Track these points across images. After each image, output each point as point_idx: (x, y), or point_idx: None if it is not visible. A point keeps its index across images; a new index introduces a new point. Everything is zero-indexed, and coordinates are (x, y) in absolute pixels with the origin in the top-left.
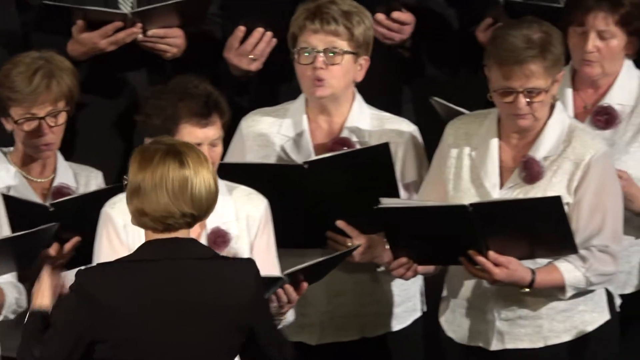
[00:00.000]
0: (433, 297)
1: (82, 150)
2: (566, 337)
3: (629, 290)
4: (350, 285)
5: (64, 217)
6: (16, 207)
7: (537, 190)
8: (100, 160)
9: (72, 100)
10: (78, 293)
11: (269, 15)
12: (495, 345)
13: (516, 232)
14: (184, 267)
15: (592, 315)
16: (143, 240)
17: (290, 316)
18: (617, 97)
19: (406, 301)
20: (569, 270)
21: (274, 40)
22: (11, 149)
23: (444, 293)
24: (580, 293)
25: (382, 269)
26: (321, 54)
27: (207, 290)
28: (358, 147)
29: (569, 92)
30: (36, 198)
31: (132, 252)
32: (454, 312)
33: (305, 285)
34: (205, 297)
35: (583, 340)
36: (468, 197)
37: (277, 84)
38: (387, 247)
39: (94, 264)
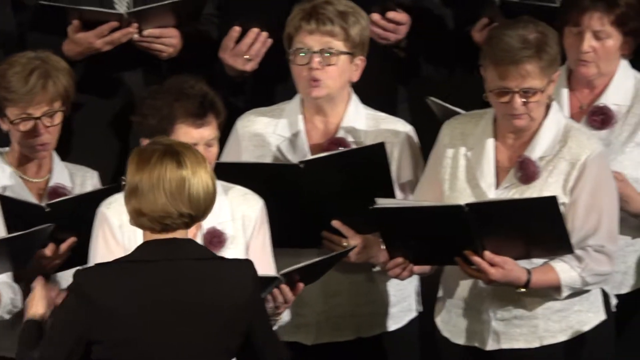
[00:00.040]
0: (428, 297)
1: (78, 151)
2: (562, 337)
3: (624, 290)
4: (346, 285)
5: (59, 218)
6: (12, 207)
7: (533, 191)
8: (96, 160)
9: (68, 100)
10: (76, 293)
11: (264, 16)
12: (491, 345)
13: (512, 232)
14: (182, 267)
15: (588, 315)
16: (139, 241)
17: (286, 316)
18: (613, 97)
19: (402, 301)
20: (564, 270)
21: (269, 41)
22: (7, 149)
23: (440, 293)
24: (576, 293)
25: (377, 269)
26: (317, 55)
27: (205, 291)
28: (354, 147)
29: (565, 92)
30: (32, 198)
31: (127, 252)
32: (450, 312)
33: (301, 285)
34: (203, 297)
35: (579, 340)
36: (464, 197)
37: (272, 84)
38: (383, 247)
39: (90, 264)
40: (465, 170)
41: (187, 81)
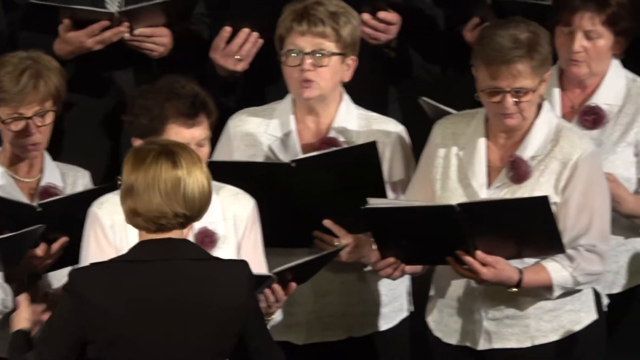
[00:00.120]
0: (420, 296)
1: (69, 150)
2: (553, 337)
3: (616, 290)
4: (337, 285)
5: (51, 217)
6: (3, 207)
7: (525, 190)
8: (87, 160)
9: (60, 100)
10: (71, 293)
11: (255, 16)
12: (482, 345)
13: (504, 232)
14: (177, 267)
15: (580, 315)
16: (130, 241)
17: (278, 316)
18: (605, 97)
19: (393, 301)
20: (556, 269)
21: (260, 41)
22: None
23: (431, 293)
24: (568, 293)
25: (369, 268)
26: (309, 56)
27: (200, 291)
28: (345, 146)
29: (557, 92)
30: (23, 198)
31: (119, 252)
32: (441, 312)
33: (293, 285)
34: (198, 297)
35: (570, 340)
36: (455, 197)
37: (263, 84)
38: (375, 246)
39: (82, 264)
40: (457, 170)
41: (178, 81)
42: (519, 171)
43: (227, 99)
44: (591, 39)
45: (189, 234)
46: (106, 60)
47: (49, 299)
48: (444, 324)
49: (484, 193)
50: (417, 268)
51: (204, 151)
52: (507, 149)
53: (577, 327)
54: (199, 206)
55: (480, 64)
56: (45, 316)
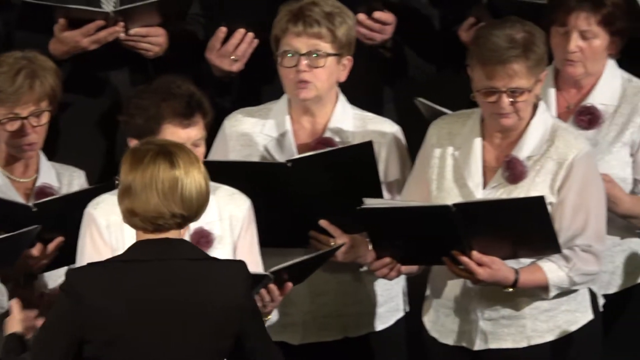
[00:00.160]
0: (415, 297)
1: (64, 150)
2: (549, 337)
3: (612, 290)
4: (333, 285)
5: (46, 217)
6: None
7: (521, 190)
8: (82, 160)
9: (55, 100)
10: (68, 293)
11: (251, 16)
12: (478, 345)
13: (499, 232)
14: (175, 267)
15: (576, 315)
16: (126, 241)
17: (274, 316)
18: (600, 97)
19: (389, 301)
20: (552, 270)
21: (256, 41)
22: None
23: (427, 293)
24: (564, 293)
25: (365, 268)
26: (305, 57)
27: (197, 291)
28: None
29: (552, 92)
30: (19, 198)
31: (115, 252)
32: (437, 312)
33: (289, 285)
34: (195, 298)
35: (566, 340)
36: (451, 197)
37: (259, 84)
38: (370, 247)
39: (78, 264)
40: (453, 170)
41: (174, 81)
42: (514, 171)
43: (222, 99)
44: (587, 39)
45: (185, 234)
46: (101, 60)
47: (45, 299)
48: (440, 324)
49: (479, 193)
50: (413, 268)
51: (200, 151)
52: (503, 149)
53: (573, 327)
54: (196, 206)
55: (476, 64)
56: (39, 321)
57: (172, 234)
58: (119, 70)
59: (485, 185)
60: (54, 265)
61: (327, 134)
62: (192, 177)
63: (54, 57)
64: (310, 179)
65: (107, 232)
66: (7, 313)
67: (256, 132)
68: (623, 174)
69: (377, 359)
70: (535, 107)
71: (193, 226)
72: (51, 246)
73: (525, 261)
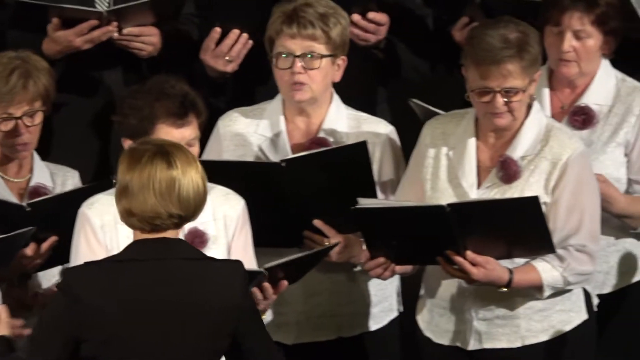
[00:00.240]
0: (409, 296)
1: (58, 150)
2: (544, 337)
3: (606, 290)
4: (327, 285)
5: (40, 217)
6: None
7: (515, 190)
8: (76, 160)
9: (49, 100)
10: (65, 292)
11: (245, 17)
12: (473, 345)
13: (494, 232)
14: (171, 267)
15: (570, 315)
16: (120, 241)
17: (268, 316)
18: (594, 97)
19: (383, 301)
20: (546, 269)
21: (250, 42)
22: None
23: (422, 292)
24: (558, 293)
25: (359, 268)
26: (299, 59)
27: (194, 291)
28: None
29: (546, 92)
30: (13, 198)
31: (110, 252)
32: (432, 312)
33: (285, 283)
34: (192, 297)
35: (560, 340)
36: (445, 197)
37: (253, 84)
38: (364, 246)
39: (71, 264)
40: (447, 170)
41: (167, 81)
42: (508, 171)
43: (217, 100)
44: (580, 38)
45: (180, 234)
46: (95, 60)
47: (39, 299)
48: (434, 324)
49: (474, 193)
50: (407, 268)
51: (194, 151)
52: (497, 149)
53: (568, 327)
54: (193, 206)
55: (470, 64)
56: (26, 330)
57: (170, 234)
58: (113, 70)
59: (479, 185)
60: (47, 264)
61: (322, 134)
62: (190, 178)
63: (47, 56)
64: (305, 178)
65: (101, 232)
66: None
67: (250, 132)
68: (617, 174)
69: (371, 359)
70: (529, 107)
71: (187, 226)
72: (45, 246)
73: (520, 261)
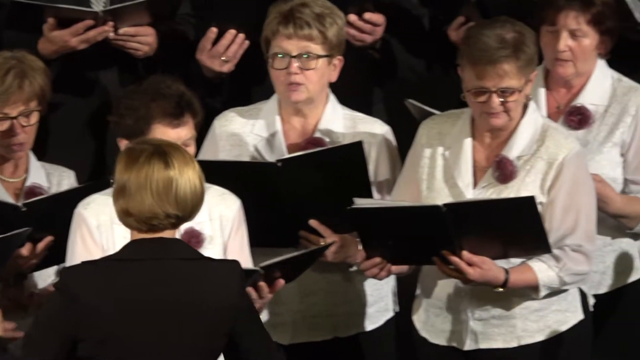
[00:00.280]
0: (405, 296)
1: (54, 150)
2: (540, 337)
3: (602, 290)
4: (323, 285)
5: (36, 217)
6: None
7: (511, 190)
8: (72, 160)
9: (44, 99)
10: (62, 291)
11: (241, 17)
12: (469, 345)
13: (490, 232)
14: (169, 267)
15: (566, 315)
16: (117, 241)
17: (264, 316)
18: (590, 97)
19: (379, 301)
20: (542, 269)
21: (246, 42)
22: None
23: (417, 292)
24: (554, 293)
25: (354, 268)
26: (296, 60)
27: (191, 291)
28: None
29: (542, 92)
30: (8, 198)
31: (106, 252)
32: (428, 312)
33: (281, 282)
34: (189, 297)
35: (556, 340)
36: (442, 197)
37: (249, 85)
38: (360, 246)
39: (67, 264)
40: (443, 170)
41: (163, 81)
42: (504, 171)
43: (213, 100)
44: (576, 38)
45: (176, 234)
46: (91, 60)
47: (35, 299)
48: (430, 324)
49: (470, 193)
50: (404, 268)
51: (190, 151)
52: (493, 149)
53: (564, 327)
54: (190, 206)
55: (466, 64)
56: (18, 333)
57: (167, 234)
58: (109, 70)
59: (475, 185)
60: (43, 264)
61: (317, 134)
62: (187, 178)
63: (42, 56)
64: (301, 178)
65: (97, 232)
66: None
67: (246, 132)
68: (613, 174)
69: (367, 359)
70: (525, 107)
71: (184, 226)
72: (41, 246)
73: (516, 261)
